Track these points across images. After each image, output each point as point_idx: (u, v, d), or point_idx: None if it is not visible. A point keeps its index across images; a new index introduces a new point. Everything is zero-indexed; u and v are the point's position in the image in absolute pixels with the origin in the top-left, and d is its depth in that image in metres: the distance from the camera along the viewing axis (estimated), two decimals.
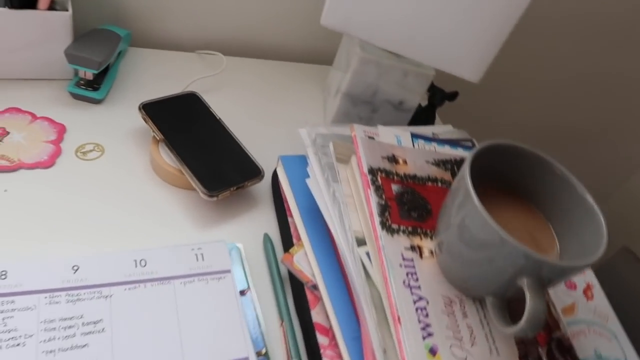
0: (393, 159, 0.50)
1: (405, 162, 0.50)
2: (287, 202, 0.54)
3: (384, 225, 0.43)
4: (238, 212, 0.54)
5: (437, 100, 0.70)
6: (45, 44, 0.55)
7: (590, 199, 0.40)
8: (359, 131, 0.51)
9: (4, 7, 0.52)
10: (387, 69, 0.60)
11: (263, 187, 0.57)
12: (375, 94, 0.63)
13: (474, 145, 0.62)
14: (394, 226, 0.44)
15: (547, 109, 1.09)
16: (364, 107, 0.65)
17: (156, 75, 0.65)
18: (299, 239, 0.51)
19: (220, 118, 0.58)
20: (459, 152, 0.55)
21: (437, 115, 0.79)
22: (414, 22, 0.52)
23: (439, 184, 0.50)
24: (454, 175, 0.52)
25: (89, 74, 0.56)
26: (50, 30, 0.55)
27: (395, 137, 0.53)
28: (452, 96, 0.72)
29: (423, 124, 0.69)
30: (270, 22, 0.74)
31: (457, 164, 0.53)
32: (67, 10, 0.54)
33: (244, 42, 0.75)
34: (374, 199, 0.45)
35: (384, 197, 0.46)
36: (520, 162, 0.42)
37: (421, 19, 0.52)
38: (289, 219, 0.53)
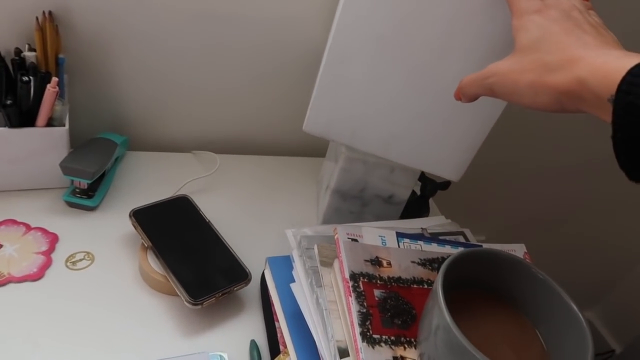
0: (377, 262, 0.49)
1: (389, 263, 0.50)
2: (274, 306, 0.53)
3: (364, 336, 0.42)
4: (225, 318, 0.53)
5: (428, 192, 0.70)
6: (44, 156, 0.58)
7: (574, 305, 0.39)
8: (342, 234, 0.51)
9: (4, 127, 0.55)
10: (374, 165, 0.61)
11: (253, 289, 0.57)
12: (364, 190, 0.64)
13: (465, 238, 0.61)
14: (376, 336, 0.43)
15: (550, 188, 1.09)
16: (354, 202, 0.65)
17: (152, 178, 0.67)
18: (285, 345, 0.50)
19: (209, 221, 0.59)
20: (446, 250, 0.54)
21: (434, 203, 0.79)
22: (392, 128, 0.54)
23: (425, 286, 0.49)
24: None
25: (83, 183, 0.59)
26: (48, 144, 0.58)
27: (379, 237, 0.53)
28: (444, 185, 0.72)
29: (416, 215, 0.69)
30: (263, 120, 0.76)
31: (441, 262, 0.52)
32: (64, 125, 0.57)
33: (239, 140, 0.77)
34: (354, 307, 0.44)
35: (365, 304, 0.45)
36: (502, 267, 0.42)
37: (399, 125, 0.53)
38: (276, 324, 0.53)
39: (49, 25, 0.57)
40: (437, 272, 0.51)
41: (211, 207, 0.63)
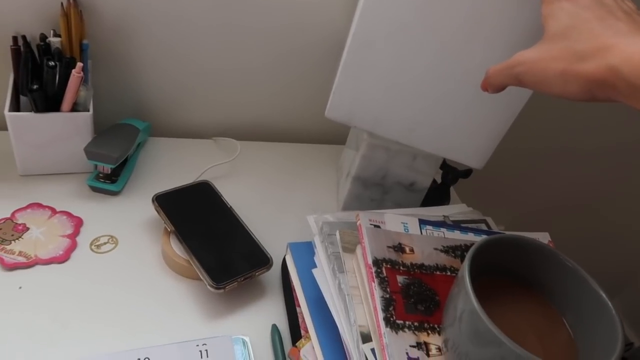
0: (399, 248, 0.49)
1: (412, 250, 0.49)
2: (295, 291, 0.53)
3: (387, 321, 0.42)
4: (247, 303, 0.54)
5: (449, 180, 0.70)
6: (68, 141, 0.59)
7: (603, 294, 0.38)
8: (364, 220, 0.51)
9: (30, 111, 0.55)
10: (396, 152, 0.61)
11: (274, 275, 0.57)
12: (386, 177, 0.64)
13: (487, 226, 0.60)
14: (399, 322, 0.43)
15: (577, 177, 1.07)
16: (375, 190, 0.65)
17: (174, 164, 0.68)
18: (307, 330, 0.50)
19: (231, 206, 0.60)
20: (469, 237, 0.54)
21: (454, 191, 0.78)
22: (416, 114, 0.53)
23: (448, 273, 0.49)
24: (462, 259, 0.50)
25: (107, 168, 0.59)
26: (73, 129, 0.58)
27: (402, 224, 0.52)
28: (466, 174, 0.71)
29: (437, 203, 0.69)
30: (284, 106, 0.76)
31: (467, 250, 0.51)
32: (88, 110, 0.58)
33: (259, 127, 0.77)
34: (378, 293, 0.44)
35: (388, 290, 0.45)
36: (529, 254, 0.41)
37: (423, 111, 0.53)
38: (297, 309, 0.53)
39: (74, 11, 0.57)
40: (460, 260, 0.51)
41: (232, 193, 0.63)
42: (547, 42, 0.35)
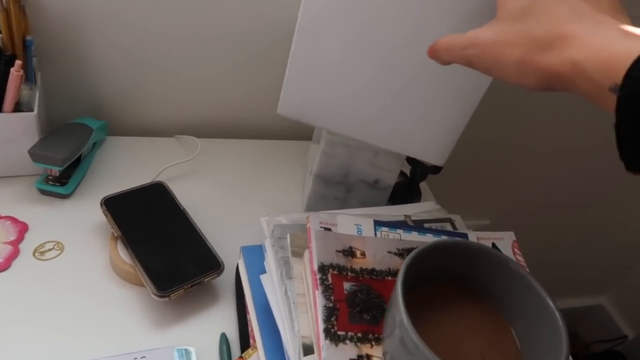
0: (350, 252, 0.46)
1: (363, 254, 0.47)
2: (246, 298, 0.51)
3: (328, 333, 0.40)
4: (197, 310, 0.51)
5: (417, 176, 0.67)
6: (14, 143, 0.56)
7: (549, 300, 0.35)
8: (314, 223, 0.48)
9: None
10: (357, 149, 0.58)
11: (229, 280, 0.55)
12: (348, 174, 0.61)
13: (453, 225, 0.58)
14: (341, 333, 0.40)
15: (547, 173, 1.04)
16: (339, 188, 0.62)
17: (132, 164, 0.65)
18: (255, 339, 0.48)
19: (184, 209, 0.57)
20: (427, 239, 0.51)
21: (428, 188, 0.75)
22: (370, 109, 0.50)
23: None
24: None
25: (54, 170, 0.57)
26: (18, 130, 0.56)
27: (355, 226, 0.50)
28: (436, 169, 0.68)
29: (406, 201, 0.66)
30: (248, 101, 0.73)
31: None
32: (32, 110, 0.56)
33: (224, 123, 0.75)
34: (320, 302, 0.42)
35: (332, 298, 0.42)
36: (475, 259, 0.39)
37: (376, 106, 0.50)
38: (248, 317, 0.50)
39: (14, 6, 0.55)
40: None
41: (191, 193, 0.61)
42: (503, 22, 0.32)
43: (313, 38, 0.47)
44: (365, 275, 0.45)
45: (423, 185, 0.74)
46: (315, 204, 0.64)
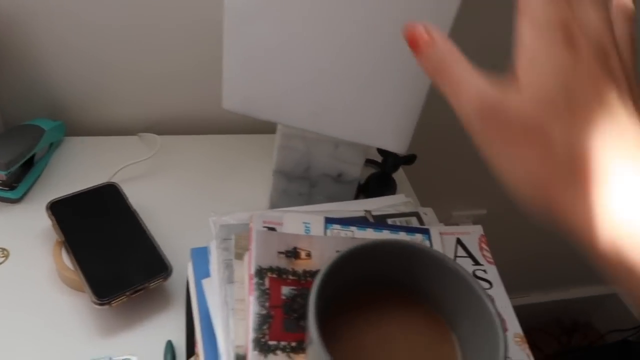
0: (293, 253, 0.43)
1: (309, 255, 0.43)
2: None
3: (257, 343, 0.37)
4: (144, 317, 0.49)
5: (388, 167, 0.63)
6: None
7: (488, 303, 0.31)
8: (257, 222, 0.45)
9: None
10: (314, 141, 0.54)
11: (181, 284, 0.52)
12: (309, 169, 0.57)
13: (419, 219, 0.54)
14: (272, 343, 0.37)
15: None
16: (301, 183, 0.59)
17: (90, 165, 0.63)
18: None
19: (135, 210, 0.55)
20: (382, 236, 0.47)
21: (407, 180, 0.71)
22: (317, 97, 0.47)
23: None
24: None
25: (0, 175, 0.55)
26: None
27: (303, 225, 0.46)
28: (409, 159, 0.65)
29: (380, 193, 0.62)
30: (210, 95, 0.70)
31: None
32: None
33: (187, 119, 0.72)
34: (253, 309, 0.39)
35: (267, 305, 0.39)
36: (411, 260, 0.35)
37: (324, 93, 0.46)
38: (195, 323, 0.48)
39: None
40: None
41: (149, 193, 0.59)
42: (525, 92, 0.23)
43: (244, 21, 0.43)
44: (308, 278, 0.42)
45: (400, 177, 0.70)
46: (279, 200, 0.61)
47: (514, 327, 0.42)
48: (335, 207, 0.54)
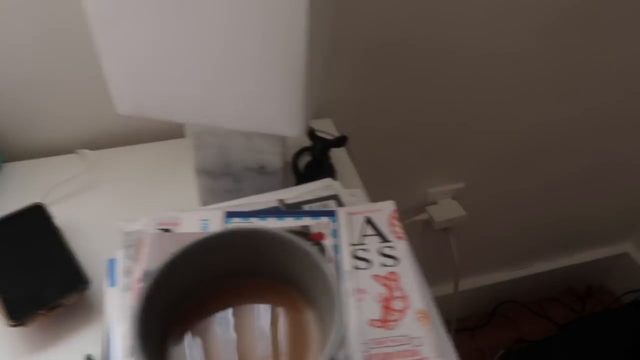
0: None
1: None
2: None
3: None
4: (66, 332, 0.49)
5: (316, 153, 0.61)
6: None
7: (324, 267, 0.30)
8: (152, 225, 0.45)
9: None
10: (225, 136, 0.53)
11: None
12: (230, 164, 0.56)
13: (338, 201, 0.52)
14: None
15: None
16: (226, 180, 0.58)
17: (25, 189, 0.64)
18: None
19: (59, 228, 0.55)
20: (285, 224, 0.46)
21: (350, 163, 0.70)
22: (199, 89, 0.45)
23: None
24: None
25: None
26: None
27: (200, 222, 0.45)
28: (339, 142, 0.63)
29: (315, 179, 0.61)
30: None
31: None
32: None
33: (122, 131, 0.72)
34: None
35: None
36: (259, 245, 0.33)
37: (203, 84, 0.45)
38: None
39: None
40: None
41: (82, 210, 0.59)
42: None
43: (109, 24, 0.43)
44: None
45: (343, 159, 0.69)
46: (208, 199, 0.60)
47: (416, 302, 0.40)
48: (255, 199, 0.53)
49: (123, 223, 0.49)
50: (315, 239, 0.44)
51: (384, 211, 0.47)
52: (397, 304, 0.40)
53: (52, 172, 0.66)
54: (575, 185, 1.16)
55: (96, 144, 0.71)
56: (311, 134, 0.63)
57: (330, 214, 0.47)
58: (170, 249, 0.42)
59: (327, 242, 0.44)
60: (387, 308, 0.40)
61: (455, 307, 1.13)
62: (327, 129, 0.74)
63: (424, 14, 0.73)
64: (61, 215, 0.58)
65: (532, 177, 1.08)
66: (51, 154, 0.69)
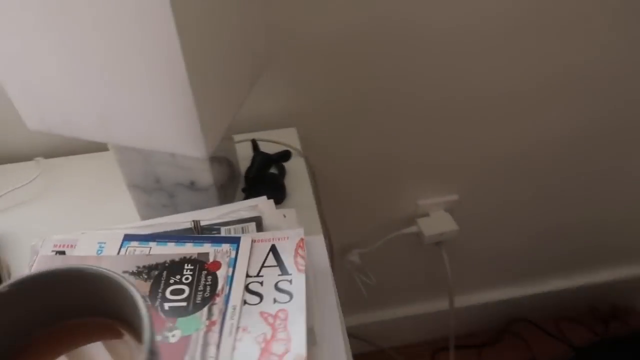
0: None
1: None
2: None
3: None
4: None
5: (253, 170, 0.58)
6: None
7: (139, 300, 0.27)
8: (46, 247, 0.43)
9: None
10: (148, 152, 0.51)
11: None
12: (160, 180, 0.54)
13: (258, 224, 0.49)
14: None
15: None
16: (160, 195, 0.56)
17: None
18: None
19: None
20: (182, 251, 0.43)
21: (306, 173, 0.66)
22: (91, 106, 0.43)
23: None
24: (154, 284, 0.40)
25: None
26: None
27: (98, 245, 0.44)
28: (281, 157, 0.59)
29: (258, 195, 0.58)
30: None
31: (164, 268, 0.41)
32: None
33: (74, 140, 0.71)
34: None
35: None
36: (84, 283, 0.30)
37: (93, 100, 0.43)
38: None
39: None
40: (152, 282, 0.41)
41: (23, 219, 0.59)
42: None
43: None
44: None
45: (295, 171, 0.65)
46: (147, 214, 0.58)
47: (297, 346, 0.36)
48: (171, 219, 0.50)
49: (36, 240, 0.48)
50: (211, 269, 0.41)
51: (292, 239, 0.44)
52: (278, 348, 0.36)
53: (7, 178, 0.66)
54: (590, 199, 1.07)
55: (57, 151, 0.71)
56: (253, 147, 0.60)
57: (233, 240, 0.44)
58: None
59: (221, 272, 0.41)
60: (266, 351, 0.36)
61: (452, 324, 1.06)
62: (290, 138, 0.71)
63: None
64: (3, 223, 0.59)
65: (536, 188, 1.00)
66: (12, 161, 0.70)
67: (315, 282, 0.46)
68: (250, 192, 0.59)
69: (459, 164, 0.90)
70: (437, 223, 0.94)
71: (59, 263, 0.41)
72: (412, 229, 0.94)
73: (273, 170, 0.66)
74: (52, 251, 0.43)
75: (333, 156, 0.83)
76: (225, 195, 0.58)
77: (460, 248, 1.06)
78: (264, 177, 0.60)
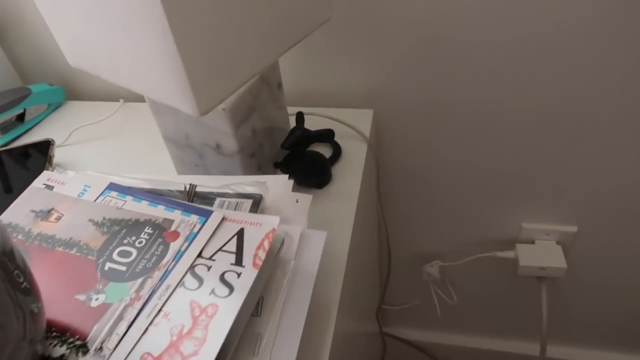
0: (45, 214, 0.40)
1: (58, 219, 0.40)
2: None
3: None
4: None
5: (286, 143, 0.52)
6: None
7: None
8: (40, 179, 0.43)
9: None
10: None
11: None
12: (189, 136, 0.52)
13: (256, 204, 0.43)
14: None
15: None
16: (191, 152, 0.54)
17: (76, 124, 0.70)
18: None
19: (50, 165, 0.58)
20: (153, 212, 0.40)
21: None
22: (100, 46, 0.41)
23: (73, 251, 0.37)
24: (109, 240, 0.38)
25: None
26: None
27: (83, 187, 0.42)
28: (322, 136, 0.52)
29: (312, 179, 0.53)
30: None
31: (128, 227, 0.38)
32: None
33: None
34: None
35: None
36: None
37: (102, 41, 0.41)
38: None
39: None
40: (108, 236, 0.38)
41: (84, 153, 0.62)
42: None
43: None
44: (35, 242, 0.38)
45: (354, 156, 0.57)
46: (181, 170, 0.57)
47: (208, 353, 0.30)
48: (173, 178, 0.47)
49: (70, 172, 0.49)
50: (167, 239, 0.37)
51: (263, 227, 0.37)
52: (187, 346, 0.31)
53: (91, 114, 0.71)
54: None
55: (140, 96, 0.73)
56: (297, 120, 0.54)
57: (206, 213, 0.39)
58: (36, 205, 0.41)
59: (175, 244, 0.37)
60: (173, 347, 0.31)
61: None
62: (363, 120, 0.63)
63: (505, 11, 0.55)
64: (65, 155, 0.62)
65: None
66: (103, 99, 0.74)
67: (291, 283, 0.39)
68: (284, 167, 0.54)
69: (587, 189, 0.72)
70: (541, 254, 0.78)
71: (42, 195, 0.41)
72: (508, 253, 0.79)
73: (326, 150, 0.59)
74: (43, 184, 0.43)
75: (416, 150, 0.72)
76: (258, 166, 0.53)
77: (566, 291, 0.86)
78: (304, 155, 0.53)
